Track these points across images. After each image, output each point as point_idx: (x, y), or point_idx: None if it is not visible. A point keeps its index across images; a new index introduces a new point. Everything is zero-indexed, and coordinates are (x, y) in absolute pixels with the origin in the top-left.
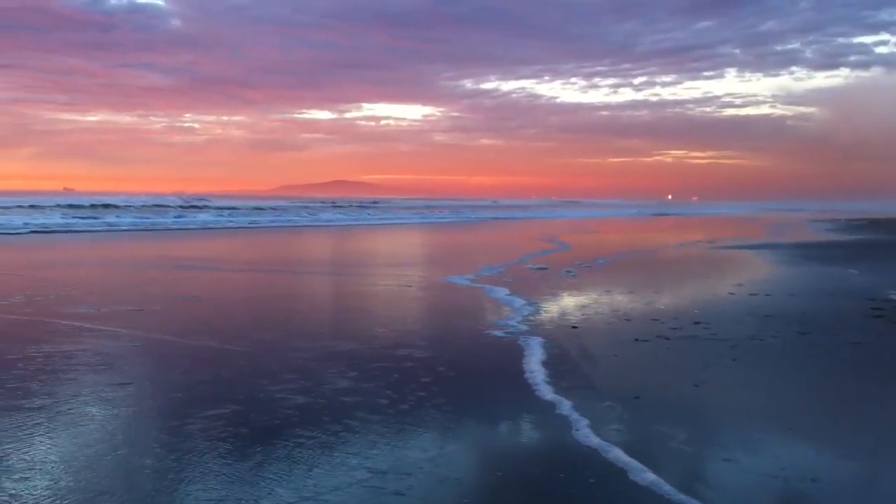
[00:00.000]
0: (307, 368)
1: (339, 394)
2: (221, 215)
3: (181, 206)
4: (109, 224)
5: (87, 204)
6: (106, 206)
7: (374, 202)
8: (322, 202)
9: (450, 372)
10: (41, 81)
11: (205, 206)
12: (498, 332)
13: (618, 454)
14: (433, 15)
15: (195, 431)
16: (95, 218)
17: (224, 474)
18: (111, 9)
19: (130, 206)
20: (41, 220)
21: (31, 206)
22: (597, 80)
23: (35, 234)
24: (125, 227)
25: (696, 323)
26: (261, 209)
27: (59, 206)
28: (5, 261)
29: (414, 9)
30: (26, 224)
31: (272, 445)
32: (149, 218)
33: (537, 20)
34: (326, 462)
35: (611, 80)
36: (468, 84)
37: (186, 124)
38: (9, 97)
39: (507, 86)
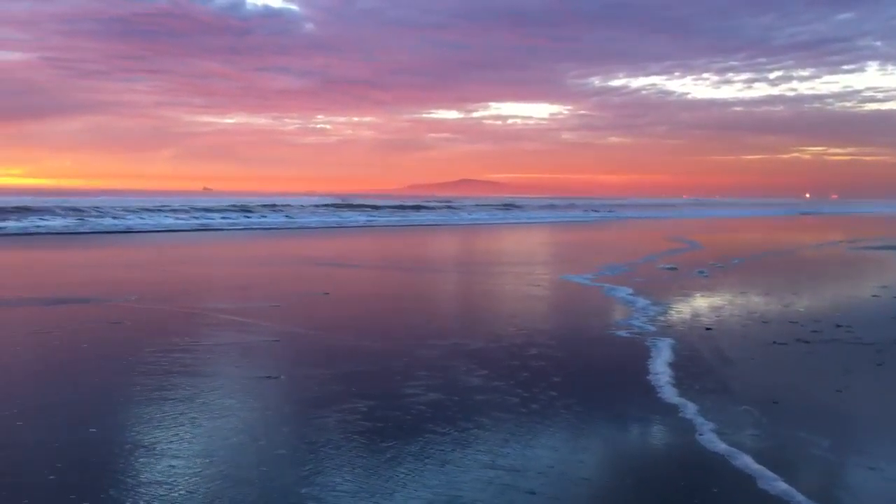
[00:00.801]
0: (438, 366)
1: (471, 391)
2: (372, 215)
3: (335, 206)
4: (258, 223)
5: (257, 204)
6: (273, 206)
7: (511, 202)
8: (461, 201)
9: (577, 371)
10: (181, 85)
11: (360, 206)
12: (623, 333)
13: (746, 461)
14: (561, 13)
15: (332, 425)
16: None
17: (359, 467)
18: (248, 14)
19: (293, 206)
20: (204, 220)
21: (205, 209)
22: (730, 75)
23: (192, 233)
24: (273, 227)
25: (838, 326)
26: (403, 207)
27: (231, 206)
28: (155, 257)
29: (542, 7)
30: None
31: (405, 440)
32: (296, 217)
33: (667, 15)
34: (458, 458)
35: (745, 75)
36: (596, 81)
37: (319, 125)
38: (152, 101)
39: (637, 82)
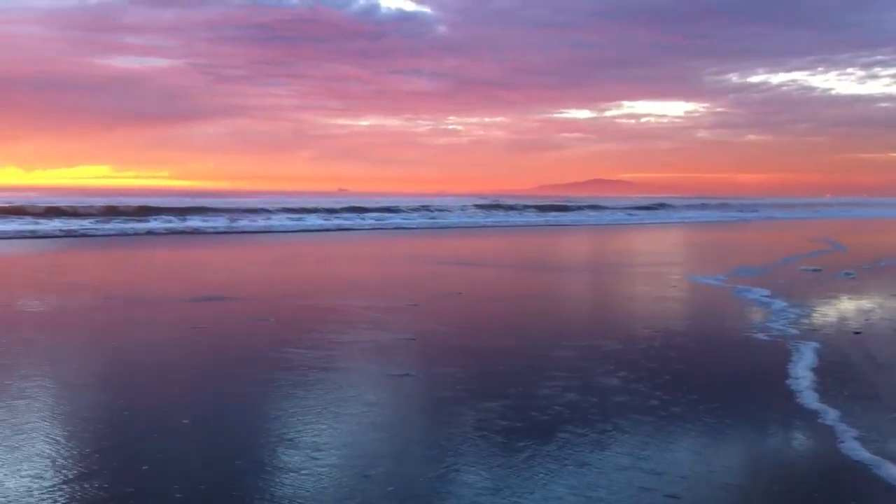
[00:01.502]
0: (575, 366)
1: (608, 393)
2: (509, 214)
3: (483, 206)
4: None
5: (416, 206)
6: (426, 207)
7: (662, 202)
8: (603, 201)
9: (715, 374)
10: (318, 89)
11: (508, 207)
12: (761, 336)
13: (891, 471)
14: (697, 8)
15: (468, 423)
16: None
17: (497, 466)
18: (382, 18)
19: (435, 207)
20: (342, 221)
21: (352, 208)
22: (877, 69)
23: (334, 232)
24: (411, 227)
25: None
26: (551, 208)
27: (381, 207)
28: (298, 256)
29: (677, 4)
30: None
31: (542, 440)
32: (441, 217)
33: (808, 9)
34: (597, 460)
35: (893, 70)
36: (734, 78)
37: (450, 126)
38: (291, 104)
39: (777, 79)
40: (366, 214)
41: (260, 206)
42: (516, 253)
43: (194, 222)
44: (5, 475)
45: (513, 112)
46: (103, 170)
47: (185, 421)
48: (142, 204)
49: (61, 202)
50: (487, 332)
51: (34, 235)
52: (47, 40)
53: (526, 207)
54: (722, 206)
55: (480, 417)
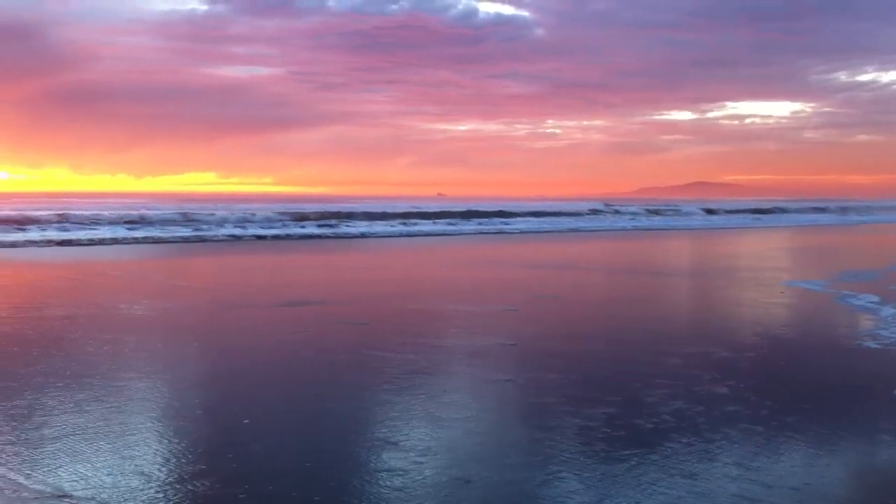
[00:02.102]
0: (680, 373)
1: (716, 401)
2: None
3: (589, 211)
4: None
5: (527, 211)
6: (540, 212)
7: (776, 206)
8: (710, 203)
9: (826, 383)
10: (416, 94)
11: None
12: (872, 344)
13: None
14: (801, 5)
15: (571, 430)
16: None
17: (600, 475)
18: (480, 22)
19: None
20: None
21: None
22: None
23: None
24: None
25: None
26: (657, 211)
27: (498, 212)
28: (394, 261)
29: (780, 1)
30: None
31: (648, 449)
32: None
33: None
34: (705, 470)
35: None
36: (842, 77)
37: (548, 130)
38: (390, 110)
39: (887, 76)
40: (479, 220)
41: (360, 209)
42: (618, 257)
43: (282, 229)
44: (116, 474)
45: (612, 114)
46: (209, 177)
47: (289, 423)
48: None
49: (189, 209)
50: (588, 336)
51: (155, 241)
52: (156, 51)
53: (636, 213)
54: (836, 210)
55: (583, 424)
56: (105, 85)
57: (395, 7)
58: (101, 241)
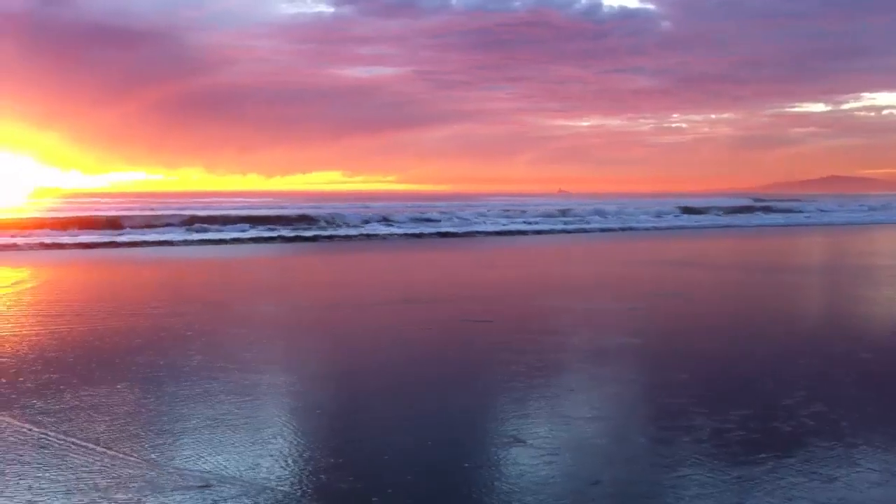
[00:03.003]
0: (820, 375)
1: (859, 404)
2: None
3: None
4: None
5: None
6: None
7: None
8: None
9: None
10: (538, 91)
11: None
12: None
13: None
14: None
15: (703, 432)
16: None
17: (735, 478)
18: (604, 17)
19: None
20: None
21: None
22: None
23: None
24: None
25: None
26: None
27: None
28: (517, 259)
29: None
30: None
31: (786, 452)
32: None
33: None
34: (847, 475)
35: None
36: None
37: (674, 124)
38: (511, 107)
39: None
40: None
41: (481, 206)
42: (738, 253)
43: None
44: (250, 468)
45: (740, 107)
46: (334, 175)
47: (417, 419)
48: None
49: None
50: (715, 335)
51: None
52: (284, 53)
53: (789, 208)
54: None
55: (716, 426)
56: (236, 87)
57: (518, 3)
58: (238, 241)
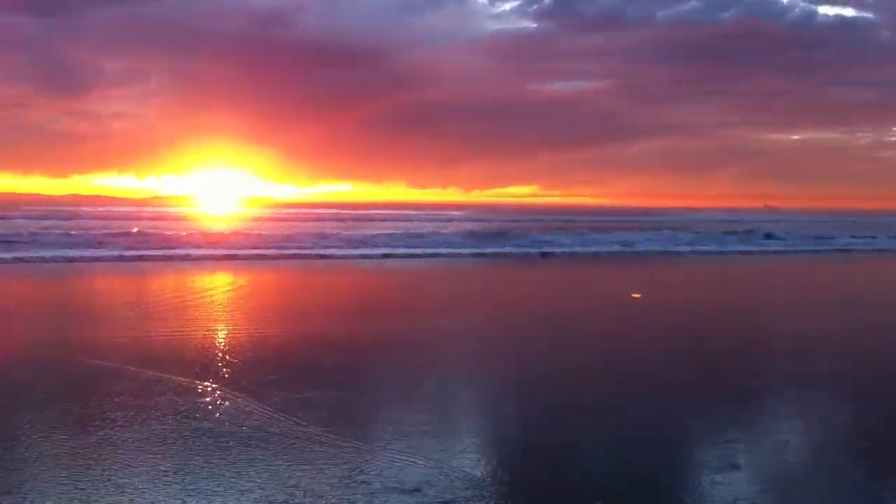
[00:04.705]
0: None
1: None
2: None
3: None
4: None
5: None
6: None
7: None
8: None
9: None
10: (745, 104)
11: None
12: None
13: None
14: None
15: None
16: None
17: None
18: (819, 26)
19: None
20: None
21: None
22: None
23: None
24: None
25: None
26: None
27: None
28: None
29: None
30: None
31: None
32: None
33: None
34: None
35: None
36: None
37: (895, 138)
38: (716, 121)
39: None
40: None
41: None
42: None
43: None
44: (453, 458)
45: None
46: (530, 189)
47: (633, 436)
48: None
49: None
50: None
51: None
52: (487, 69)
53: None
54: None
55: None
56: (440, 103)
57: (726, 15)
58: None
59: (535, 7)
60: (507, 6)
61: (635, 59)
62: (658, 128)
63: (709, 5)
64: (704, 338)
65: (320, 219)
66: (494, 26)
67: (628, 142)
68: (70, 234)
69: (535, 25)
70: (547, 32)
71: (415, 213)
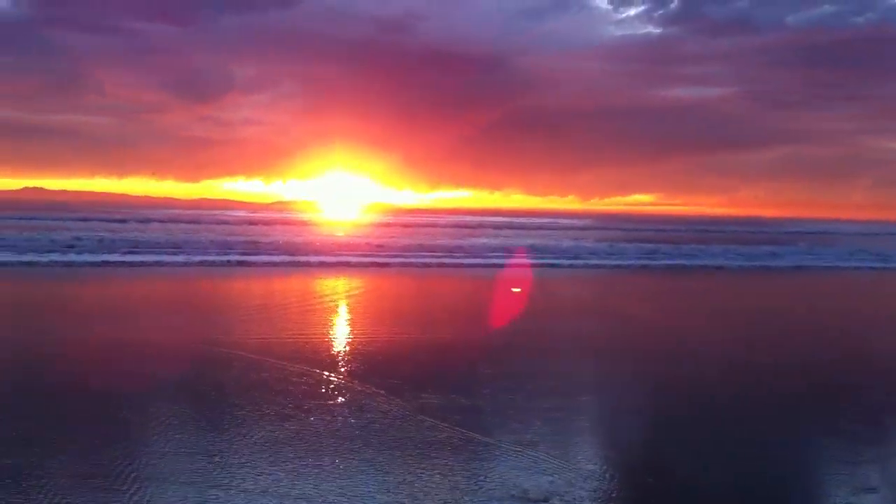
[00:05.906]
0: None
1: None
2: None
3: None
4: None
5: None
6: None
7: None
8: None
9: None
10: (881, 111)
11: None
12: None
13: None
14: None
15: None
16: None
17: None
18: None
19: None
20: None
21: None
22: None
23: None
24: None
25: None
26: None
27: None
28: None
29: None
30: None
31: None
32: None
33: None
34: None
35: None
36: None
37: None
38: (849, 128)
39: None
40: None
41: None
42: None
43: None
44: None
45: None
46: (652, 198)
47: (761, 451)
48: None
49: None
50: None
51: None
52: (609, 74)
53: None
54: None
55: None
56: (559, 110)
57: (860, 20)
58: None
59: (661, 12)
60: (632, 11)
61: (764, 64)
62: (787, 134)
63: (841, 10)
64: None
65: (467, 226)
66: (618, 31)
67: (754, 149)
68: (212, 241)
69: (659, 30)
70: (672, 37)
71: (548, 220)
